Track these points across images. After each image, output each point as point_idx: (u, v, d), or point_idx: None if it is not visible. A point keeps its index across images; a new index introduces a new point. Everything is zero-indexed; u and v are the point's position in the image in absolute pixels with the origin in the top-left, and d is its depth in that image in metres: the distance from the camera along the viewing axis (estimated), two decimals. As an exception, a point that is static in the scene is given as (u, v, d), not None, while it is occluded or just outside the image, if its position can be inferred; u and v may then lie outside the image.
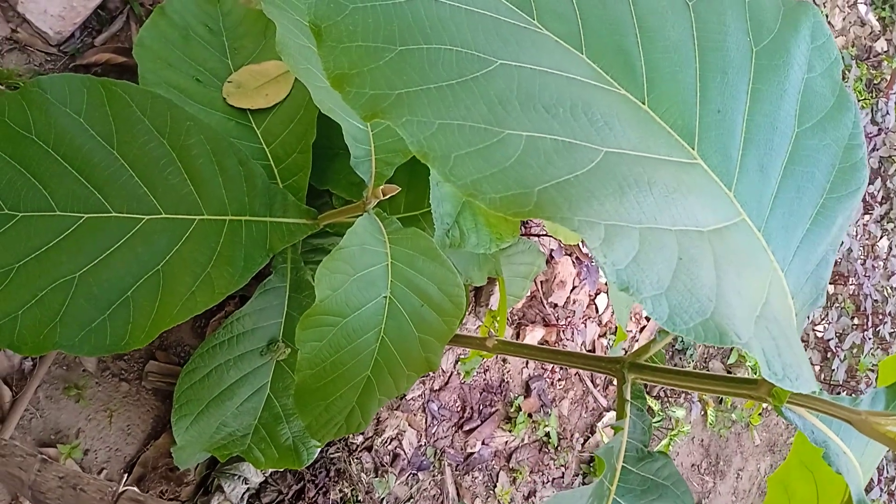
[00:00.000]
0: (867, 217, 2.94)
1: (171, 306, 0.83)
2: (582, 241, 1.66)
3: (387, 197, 0.83)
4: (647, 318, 2.14)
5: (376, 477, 1.44)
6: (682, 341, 2.21)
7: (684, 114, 0.48)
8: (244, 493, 1.21)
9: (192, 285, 0.84)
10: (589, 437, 1.93)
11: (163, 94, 0.88)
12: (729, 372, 2.43)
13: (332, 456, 1.36)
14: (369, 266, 0.79)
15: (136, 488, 0.43)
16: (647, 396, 1.81)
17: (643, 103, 0.47)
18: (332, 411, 0.80)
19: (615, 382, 1.96)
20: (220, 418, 1.02)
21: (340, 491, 1.34)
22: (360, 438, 1.43)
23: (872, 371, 2.87)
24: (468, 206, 0.96)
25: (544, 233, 1.71)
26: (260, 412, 1.04)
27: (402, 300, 0.82)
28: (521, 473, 1.74)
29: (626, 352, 1.98)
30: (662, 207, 0.39)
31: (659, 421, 2.06)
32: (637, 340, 2.07)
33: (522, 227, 1.61)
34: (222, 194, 0.89)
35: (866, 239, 2.93)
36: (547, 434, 1.81)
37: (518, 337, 1.76)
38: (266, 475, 1.26)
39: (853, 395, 1.29)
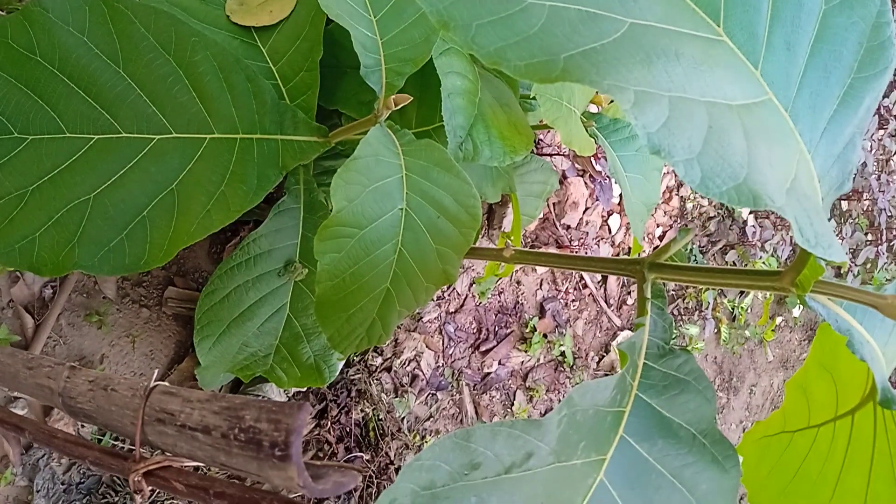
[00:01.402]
0: (882, 131, 2.89)
1: (187, 224, 0.82)
2: (596, 159, 1.64)
3: (398, 107, 0.82)
4: (660, 238, 2.14)
5: (396, 397, 1.47)
6: (693, 254, 2.21)
7: (709, -10, 0.46)
8: (268, 414, 1.23)
9: (206, 203, 0.84)
10: (604, 357, 1.95)
11: (163, 10, 0.86)
12: (740, 294, 2.43)
13: (352, 377, 1.38)
14: (384, 178, 0.79)
15: (166, 382, 0.44)
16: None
17: (666, -22, 0.46)
18: (353, 323, 0.80)
19: (629, 301, 1.97)
20: (242, 339, 1.03)
21: (362, 410, 1.37)
22: (379, 360, 1.45)
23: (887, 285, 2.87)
24: (480, 118, 0.95)
25: (556, 152, 1.69)
26: (280, 332, 1.06)
27: (418, 212, 0.82)
28: (537, 392, 1.77)
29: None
30: (691, 78, 0.38)
31: (672, 338, 2.08)
32: (650, 260, 2.07)
33: (534, 147, 1.59)
34: (232, 112, 0.88)
35: (881, 153, 2.89)
36: (562, 353, 1.84)
37: (531, 258, 1.76)
38: (289, 395, 1.28)
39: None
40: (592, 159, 1.66)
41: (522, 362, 1.77)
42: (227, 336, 1.02)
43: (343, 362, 1.13)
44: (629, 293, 2.00)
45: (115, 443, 1.10)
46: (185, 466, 0.42)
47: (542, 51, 0.34)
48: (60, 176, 0.82)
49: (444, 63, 0.89)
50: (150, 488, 0.43)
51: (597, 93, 1.19)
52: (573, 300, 1.89)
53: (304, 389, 1.25)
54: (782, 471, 0.86)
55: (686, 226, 2.22)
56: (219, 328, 1.01)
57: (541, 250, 1.74)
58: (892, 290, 0.57)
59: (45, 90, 0.82)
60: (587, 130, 1.15)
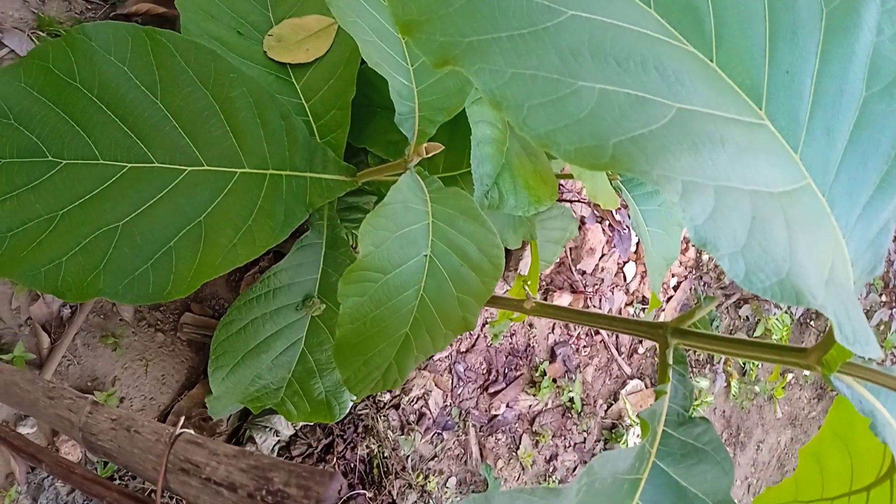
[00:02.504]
0: (902, 193, 2.89)
1: (212, 257, 0.83)
2: (616, 210, 1.65)
3: (429, 155, 0.82)
4: (675, 289, 2.13)
5: (402, 434, 1.46)
6: (709, 313, 2.20)
7: (752, 73, 0.47)
8: (275, 445, 1.23)
9: (233, 237, 0.85)
10: (612, 404, 1.94)
11: (204, 45, 0.87)
12: (753, 345, 2.42)
13: (360, 412, 1.37)
14: (411, 224, 0.79)
15: (191, 431, 0.44)
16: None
17: (711, 60, 0.46)
18: (370, 366, 0.80)
19: (640, 351, 1.96)
20: (256, 370, 1.03)
21: (367, 447, 1.36)
22: (388, 396, 1.45)
23: (898, 349, 2.84)
24: (508, 167, 0.96)
25: (576, 199, 1.70)
26: (294, 366, 1.06)
27: (442, 259, 0.82)
28: (543, 437, 1.76)
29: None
30: (735, 166, 0.38)
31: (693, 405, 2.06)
32: (664, 310, 2.07)
33: (554, 192, 1.60)
34: (264, 148, 0.89)
35: (900, 216, 2.88)
36: (570, 399, 1.82)
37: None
38: (296, 428, 1.28)
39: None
40: (616, 209, 1.66)
41: (530, 406, 1.76)
42: (241, 367, 1.02)
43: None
44: (640, 342, 1.99)
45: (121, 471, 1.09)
46: (206, 518, 0.42)
47: (592, 136, 0.35)
48: (91, 202, 0.83)
49: (476, 112, 0.90)
50: (168, 537, 0.42)
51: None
52: (584, 346, 1.88)
53: (312, 423, 1.25)
54: (794, 542, 0.85)
55: (700, 277, 2.21)
56: (234, 359, 1.02)
57: (560, 304, 1.74)
58: (919, 376, 0.57)
59: (82, 116, 0.83)
60: (612, 183, 1.15)
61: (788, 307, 2.36)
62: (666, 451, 0.63)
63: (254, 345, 1.02)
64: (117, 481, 1.13)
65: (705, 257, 2.19)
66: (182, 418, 0.48)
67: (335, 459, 1.29)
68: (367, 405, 1.39)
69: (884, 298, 2.76)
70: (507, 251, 1.69)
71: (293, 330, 1.05)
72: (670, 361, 0.66)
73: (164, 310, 1.16)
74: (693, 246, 2.15)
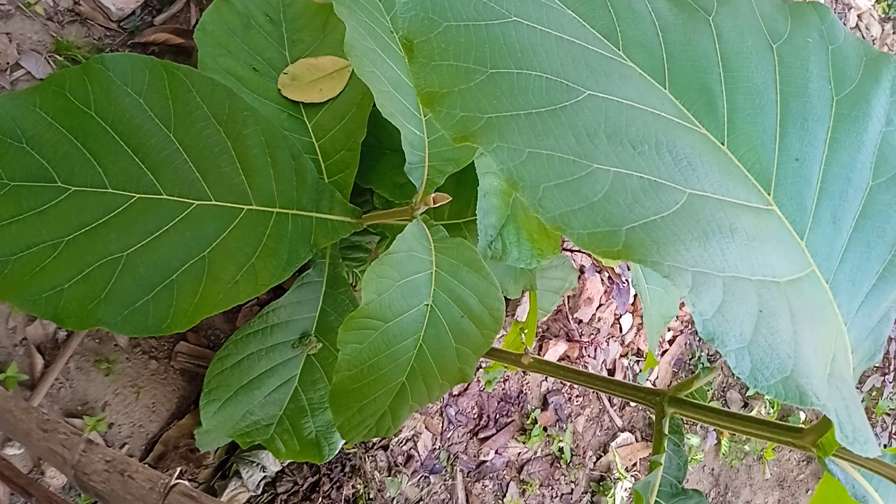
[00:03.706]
0: None
1: (214, 293, 0.83)
2: (615, 267, 1.65)
3: (437, 205, 0.83)
4: (670, 343, 2.13)
5: (389, 476, 1.44)
6: (701, 361, 2.19)
7: (763, 159, 0.48)
8: (260, 481, 1.22)
9: (236, 274, 0.85)
10: (601, 456, 1.92)
11: (221, 81, 0.88)
12: (746, 404, 2.41)
13: (348, 452, 1.36)
14: (414, 273, 0.79)
15: (187, 482, 0.43)
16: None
17: (723, 144, 0.47)
18: (364, 413, 0.80)
19: (631, 403, 1.95)
20: (248, 406, 1.03)
21: (353, 487, 1.35)
22: (377, 437, 1.44)
23: (889, 415, 2.83)
24: (512, 219, 0.96)
25: (577, 249, 1.70)
26: (286, 404, 1.05)
27: (443, 309, 0.82)
28: (530, 486, 1.74)
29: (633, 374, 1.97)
30: (743, 256, 0.39)
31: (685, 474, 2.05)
32: (658, 363, 2.06)
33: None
34: (272, 186, 0.90)
35: None
36: (560, 449, 1.81)
37: (541, 350, 1.76)
38: (283, 465, 1.26)
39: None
40: (617, 265, 1.67)
41: (519, 453, 1.74)
42: (233, 402, 1.02)
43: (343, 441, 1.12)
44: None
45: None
46: (193, 573, 0.42)
47: (605, 220, 0.35)
48: (97, 230, 0.83)
49: (484, 163, 0.91)
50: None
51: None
52: (577, 395, 1.87)
53: (300, 461, 1.24)
54: None
55: (695, 332, 2.21)
56: (226, 393, 1.01)
57: (546, 354, 1.74)
58: (912, 464, 0.57)
59: (94, 144, 0.84)
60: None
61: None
62: (657, 522, 0.62)
63: (247, 380, 1.01)
64: (98, 509, 1.12)
65: (702, 313, 2.19)
66: (178, 469, 0.48)
67: (320, 499, 1.27)
68: (356, 445, 1.38)
69: (877, 365, 2.75)
70: (506, 299, 1.69)
71: (288, 367, 1.04)
72: (666, 431, 0.66)
73: (159, 338, 1.16)
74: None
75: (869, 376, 2.62)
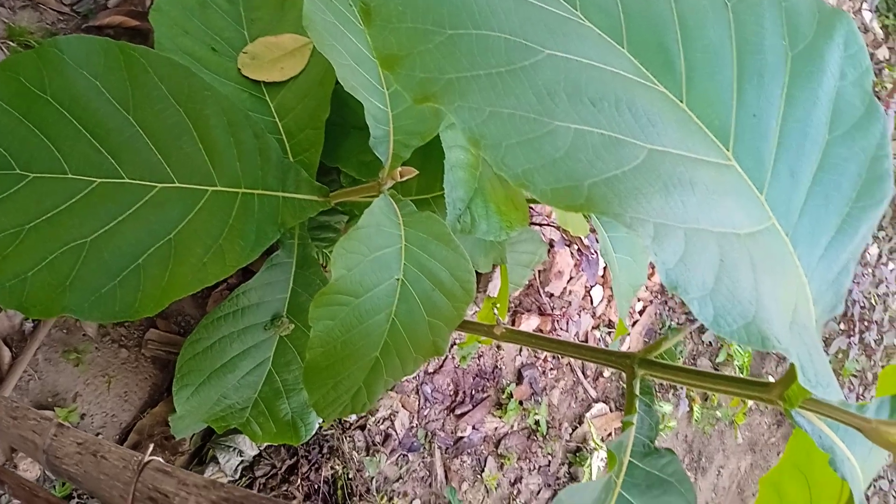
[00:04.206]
0: (861, 224, 2.96)
1: (182, 276, 0.82)
2: (585, 234, 1.67)
3: (403, 179, 0.83)
4: (641, 313, 2.16)
5: (367, 456, 1.45)
6: (669, 328, 2.23)
7: (721, 115, 0.48)
8: (238, 465, 1.21)
9: (203, 256, 0.84)
10: (577, 427, 1.95)
11: (179, 61, 0.87)
12: (716, 369, 2.45)
13: (325, 433, 1.36)
14: (384, 248, 0.79)
15: (160, 458, 0.43)
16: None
17: (681, 101, 0.47)
18: (339, 390, 0.80)
19: (605, 374, 1.97)
20: (221, 390, 1.02)
21: (332, 468, 1.35)
22: (354, 417, 1.44)
23: (856, 377, 2.90)
24: (480, 192, 0.97)
25: (546, 222, 1.71)
26: (260, 386, 1.05)
27: (414, 283, 0.82)
28: (508, 459, 1.76)
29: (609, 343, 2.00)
30: (704, 208, 0.39)
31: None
32: (629, 334, 2.09)
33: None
34: (236, 166, 0.89)
35: (859, 246, 2.96)
36: (536, 422, 1.83)
37: (514, 324, 1.77)
38: (260, 449, 1.26)
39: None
40: (585, 235, 1.69)
41: (496, 428, 1.76)
42: (206, 386, 1.01)
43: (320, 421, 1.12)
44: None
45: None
46: (171, 547, 0.42)
47: (568, 176, 0.36)
48: (59, 217, 0.81)
49: (450, 137, 0.91)
50: (131, 566, 0.42)
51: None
52: (551, 368, 1.89)
53: (277, 444, 1.24)
54: (753, 571, 0.86)
55: (666, 302, 2.24)
56: (199, 378, 1.00)
57: (529, 326, 1.75)
58: (873, 413, 0.58)
59: (51, 130, 0.82)
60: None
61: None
62: (632, 482, 0.63)
63: (220, 364, 1.01)
64: (75, 500, 1.11)
65: (671, 283, 2.22)
66: (151, 446, 0.47)
67: (299, 481, 1.27)
68: (333, 425, 1.38)
69: (842, 327, 2.82)
70: (478, 274, 1.70)
71: (261, 350, 1.04)
72: (637, 392, 0.67)
73: (128, 326, 1.15)
74: (659, 271, 2.18)
75: (835, 338, 2.68)
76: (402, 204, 0.84)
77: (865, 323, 2.86)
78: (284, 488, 1.24)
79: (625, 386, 0.86)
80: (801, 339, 0.41)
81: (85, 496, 1.11)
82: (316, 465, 1.32)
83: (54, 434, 0.50)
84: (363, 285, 0.77)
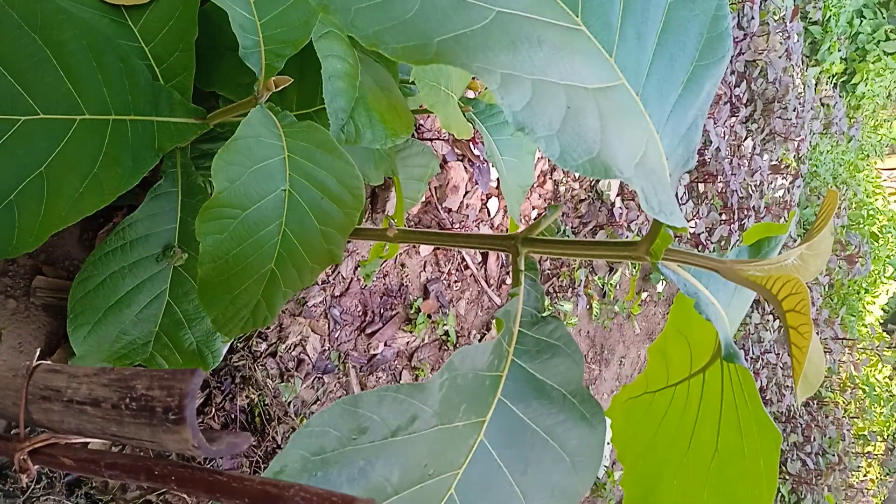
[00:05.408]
0: (733, 119, 3.13)
1: (58, 208, 0.80)
2: (474, 145, 1.70)
3: (279, 89, 0.82)
4: (535, 220, 2.23)
5: (282, 382, 1.47)
6: (565, 234, 2.32)
7: (568, -17, 0.51)
8: (149, 403, 1.21)
9: (79, 186, 0.82)
10: (485, 334, 2.02)
11: (28, -13, 0.82)
12: (612, 268, 2.58)
13: (236, 364, 1.37)
14: (266, 159, 0.79)
15: (49, 361, 0.43)
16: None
17: (529, -28, 0.49)
18: (237, 304, 0.81)
19: (508, 281, 2.04)
20: (119, 326, 1.01)
21: (247, 396, 1.36)
22: (264, 346, 1.45)
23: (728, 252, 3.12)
24: (362, 101, 0.97)
25: (437, 137, 1.73)
26: (160, 319, 1.04)
27: (302, 193, 0.83)
28: (422, 371, 1.82)
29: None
30: (551, 63, 0.42)
31: (546, 310, 2.18)
32: (527, 241, 2.16)
33: (415, 132, 1.62)
34: (103, 93, 0.85)
35: (733, 139, 3.13)
36: (446, 332, 1.89)
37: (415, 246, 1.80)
38: (170, 384, 1.25)
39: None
40: (471, 144, 1.71)
41: (408, 343, 1.81)
42: (102, 324, 0.99)
43: (227, 347, 1.13)
44: (508, 273, 2.08)
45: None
46: (73, 442, 0.42)
47: (417, 35, 0.37)
48: (-86, 158, 0.77)
49: (324, 46, 0.91)
50: (36, 467, 0.43)
51: (473, 79, 1.23)
52: (455, 281, 1.95)
53: (187, 377, 1.23)
54: (645, 428, 0.94)
55: (554, 204, 2.32)
56: (94, 316, 0.98)
57: (431, 251, 1.78)
58: (732, 256, 0.64)
59: None
60: (465, 115, 1.19)
61: (639, 230, 2.53)
62: (522, 349, 0.68)
63: (114, 300, 0.99)
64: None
65: (562, 189, 2.30)
66: (38, 350, 0.47)
67: (213, 411, 1.28)
68: (243, 356, 1.39)
69: (724, 217, 3.00)
70: (374, 193, 1.71)
71: (155, 282, 1.02)
72: (522, 268, 0.71)
73: (12, 275, 1.10)
74: (551, 179, 2.25)
75: (717, 228, 2.86)
76: (280, 115, 0.84)
77: (745, 211, 3.05)
78: (199, 420, 1.25)
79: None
80: (646, 177, 0.45)
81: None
82: (230, 395, 1.32)
83: (-62, 362, 0.49)
84: (249, 197, 0.77)
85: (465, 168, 1.89)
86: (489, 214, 2.04)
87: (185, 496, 1.26)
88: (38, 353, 0.43)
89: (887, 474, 5.19)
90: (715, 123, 2.75)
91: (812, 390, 0.62)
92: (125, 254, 0.99)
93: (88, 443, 0.43)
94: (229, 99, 1.10)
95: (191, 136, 0.93)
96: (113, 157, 0.84)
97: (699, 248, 2.85)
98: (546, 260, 2.25)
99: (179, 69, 0.99)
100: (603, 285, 2.50)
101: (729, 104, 3.01)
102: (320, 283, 1.59)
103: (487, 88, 1.31)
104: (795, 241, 3.60)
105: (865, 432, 5.10)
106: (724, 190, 2.96)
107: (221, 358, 1.08)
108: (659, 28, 0.55)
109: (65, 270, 1.16)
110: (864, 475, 5.07)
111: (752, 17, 3.04)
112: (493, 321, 2.04)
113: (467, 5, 0.41)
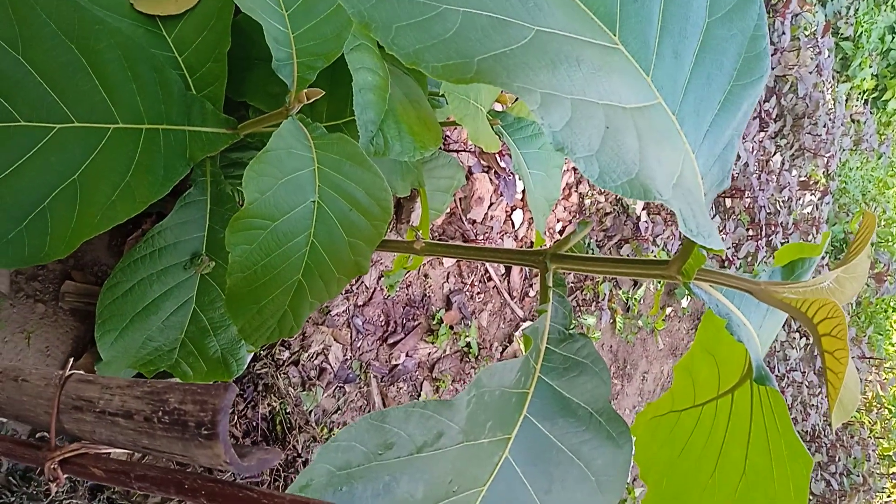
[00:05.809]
0: (762, 134, 3.10)
1: (90, 216, 0.81)
2: (500, 157, 1.69)
3: (310, 101, 0.83)
4: (560, 233, 2.22)
5: (304, 390, 1.47)
6: (590, 248, 2.31)
7: (606, 1, 0.50)
8: (173, 409, 1.21)
9: (111, 195, 0.82)
10: (507, 346, 2.01)
11: (66, -3, 0.83)
12: (636, 283, 2.56)
13: (259, 371, 1.37)
14: (296, 170, 0.80)
15: (82, 371, 0.44)
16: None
17: (567, -11, 0.49)
18: (264, 314, 0.81)
19: (531, 293, 2.03)
20: (146, 333, 1.01)
21: (269, 404, 1.36)
22: (287, 354, 1.45)
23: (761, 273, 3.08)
24: (391, 113, 0.97)
25: (463, 149, 1.73)
26: (186, 326, 1.04)
27: (331, 204, 0.83)
28: (443, 382, 1.81)
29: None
30: (590, 83, 0.42)
31: (572, 326, 2.17)
32: (551, 254, 2.15)
33: (442, 143, 1.63)
34: (137, 102, 0.86)
35: (761, 154, 3.10)
36: (467, 344, 1.88)
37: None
38: (194, 391, 1.26)
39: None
40: (497, 156, 1.71)
41: (429, 353, 1.80)
42: (129, 330, 1.00)
43: (251, 356, 1.13)
44: (531, 285, 2.07)
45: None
46: (103, 452, 0.43)
47: (458, 54, 0.37)
48: (-48, 165, 0.78)
49: (356, 59, 0.91)
50: (66, 476, 0.43)
51: (502, 92, 1.23)
52: (478, 292, 1.94)
53: (210, 384, 1.24)
54: (670, 447, 0.93)
55: (584, 220, 2.31)
56: (121, 322, 0.99)
57: (455, 262, 1.78)
58: (764, 277, 0.63)
59: (-66, 74, 0.78)
60: (493, 128, 1.19)
61: (664, 245, 2.51)
62: (549, 366, 0.67)
63: (142, 307, 1.00)
64: None
65: (588, 202, 2.29)
66: (71, 360, 0.48)
67: (236, 419, 1.28)
68: (265, 364, 1.39)
69: (751, 232, 2.97)
70: (399, 204, 1.71)
71: (183, 289, 1.03)
72: (550, 284, 0.70)
73: (42, 279, 1.12)
74: (576, 192, 2.25)
75: (744, 243, 2.83)
76: (311, 127, 0.84)
77: (772, 227, 3.02)
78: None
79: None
80: (684, 198, 0.44)
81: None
82: (252, 403, 1.33)
83: (-28, 368, 0.50)
84: (278, 208, 0.77)
85: (491, 180, 1.89)
86: (513, 226, 2.03)
87: None
88: (70, 363, 0.44)
89: (913, 497, 5.07)
90: (744, 138, 2.73)
91: (847, 416, 0.61)
92: (154, 261, 1.00)
93: (110, 452, 0.43)
94: (259, 109, 1.11)
95: (222, 145, 0.94)
96: (145, 165, 0.85)
97: (725, 264, 2.82)
98: (570, 273, 2.24)
99: (212, 79, 1.00)
100: (627, 299, 2.48)
101: (758, 119, 2.98)
102: (343, 292, 1.59)
103: (517, 102, 1.31)
104: (823, 257, 3.55)
105: (891, 453, 4.99)
106: (751, 205, 2.93)
107: (245, 366, 1.08)
108: (697, 47, 0.54)
109: (93, 276, 1.18)
110: (889, 496, 4.97)
111: (783, 33, 3.01)
112: (515, 333, 2.03)
113: (507, 24, 0.41)
